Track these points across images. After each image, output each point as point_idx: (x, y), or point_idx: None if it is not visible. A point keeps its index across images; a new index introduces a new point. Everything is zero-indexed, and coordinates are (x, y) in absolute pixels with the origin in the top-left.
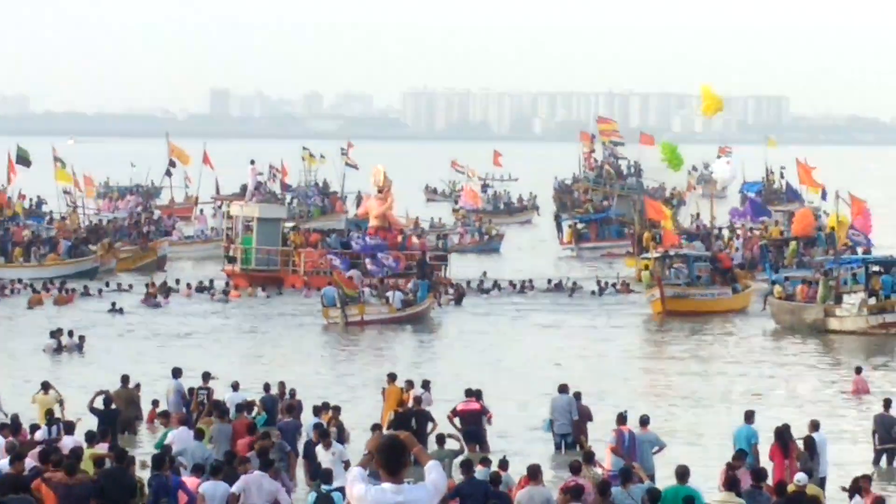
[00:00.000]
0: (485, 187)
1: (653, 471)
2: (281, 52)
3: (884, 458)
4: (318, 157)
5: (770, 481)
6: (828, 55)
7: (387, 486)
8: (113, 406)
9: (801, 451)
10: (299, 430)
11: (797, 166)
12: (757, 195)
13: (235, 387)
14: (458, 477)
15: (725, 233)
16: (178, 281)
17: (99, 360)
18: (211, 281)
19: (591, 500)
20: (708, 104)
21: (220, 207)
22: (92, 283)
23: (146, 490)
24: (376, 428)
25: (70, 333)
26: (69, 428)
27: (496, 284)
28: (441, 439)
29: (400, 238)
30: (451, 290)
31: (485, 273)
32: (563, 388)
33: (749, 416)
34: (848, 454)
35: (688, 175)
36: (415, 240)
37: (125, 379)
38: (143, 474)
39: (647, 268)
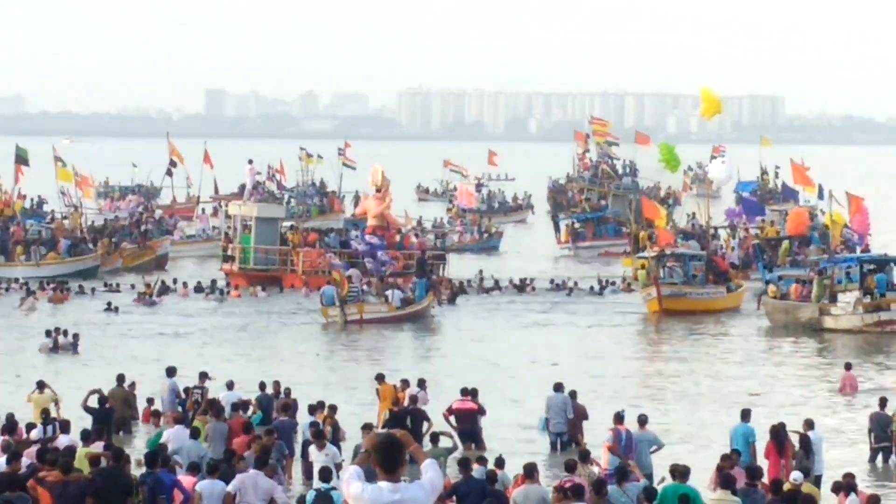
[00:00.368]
0: (479, 187)
1: (650, 470)
2: (276, 52)
3: (879, 456)
4: (316, 157)
5: (766, 479)
6: (823, 55)
7: (383, 484)
8: (107, 405)
9: (796, 449)
10: (295, 428)
11: (791, 166)
12: (752, 195)
13: (230, 386)
14: (453, 475)
15: (723, 233)
16: (175, 281)
17: (94, 359)
18: (213, 281)
19: (587, 498)
20: (707, 106)
21: (222, 206)
22: (87, 282)
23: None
24: (367, 427)
25: (65, 333)
26: (64, 427)
27: (497, 284)
28: (435, 438)
29: (398, 237)
30: (444, 290)
31: (481, 271)
32: (558, 387)
33: (745, 415)
34: (841, 454)
35: (683, 175)
36: (413, 239)
37: (121, 378)
38: (139, 473)
39: (643, 267)
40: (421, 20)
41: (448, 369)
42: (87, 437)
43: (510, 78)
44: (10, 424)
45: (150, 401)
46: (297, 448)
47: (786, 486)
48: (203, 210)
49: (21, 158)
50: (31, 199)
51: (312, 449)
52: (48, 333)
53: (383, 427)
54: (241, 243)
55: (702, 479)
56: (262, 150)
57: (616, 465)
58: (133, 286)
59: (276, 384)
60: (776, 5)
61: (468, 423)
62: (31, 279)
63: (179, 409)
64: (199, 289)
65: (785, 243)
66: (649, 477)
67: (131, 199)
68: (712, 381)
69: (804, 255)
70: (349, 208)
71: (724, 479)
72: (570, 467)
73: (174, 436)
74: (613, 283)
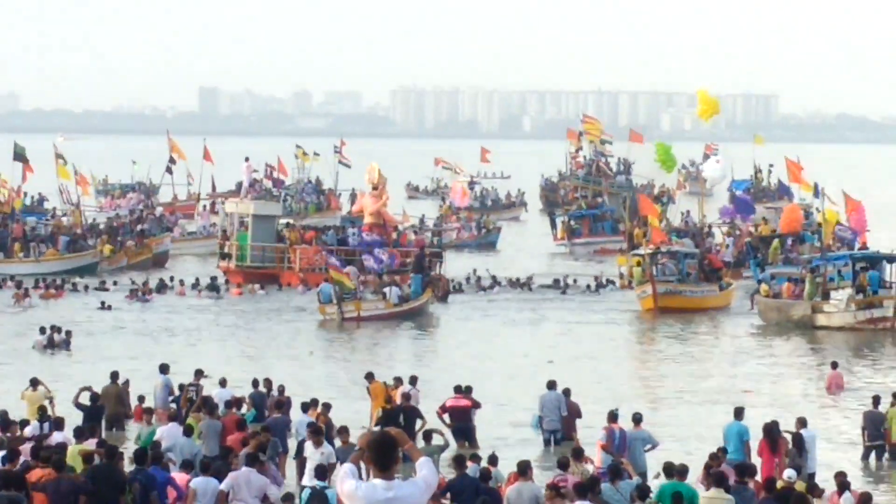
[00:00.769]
0: (472, 184)
1: (644, 468)
2: (270, 49)
3: (872, 455)
4: (312, 154)
5: (759, 477)
6: (817, 54)
7: (378, 482)
8: (98, 402)
9: (789, 447)
10: (289, 426)
11: (786, 164)
12: (745, 192)
13: (223, 383)
14: (446, 472)
15: (717, 231)
16: (171, 278)
17: (87, 356)
18: (212, 278)
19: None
20: (705, 108)
21: (221, 203)
22: (86, 279)
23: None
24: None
25: (59, 330)
26: (58, 424)
27: (495, 281)
28: (428, 436)
29: (394, 235)
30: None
31: (475, 270)
32: (551, 385)
33: (738, 413)
34: (831, 453)
35: (678, 173)
36: (410, 236)
37: (114, 375)
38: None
39: (638, 264)
40: (414, 18)
41: (442, 367)
42: (80, 434)
43: (504, 76)
44: (4, 422)
45: (142, 398)
46: (292, 445)
47: (779, 484)
48: (204, 207)
49: (20, 156)
50: (31, 197)
51: (308, 446)
52: (42, 330)
53: (376, 425)
54: (237, 241)
55: (693, 478)
56: (256, 147)
57: (609, 464)
58: (132, 281)
59: (268, 381)
60: (770, 4)
61: (462, 420)
62: (30, 276)
63: (173, 406)
64: (195, 286)
65: (775, 241)
66: (644, 476)
67: (132, 196)
68: (705, 380)
69: (798, 253)
70: (346, 206)
71: (716, 478)
72: (563, 465)
73: (168, 433)
74: (613, 283)
